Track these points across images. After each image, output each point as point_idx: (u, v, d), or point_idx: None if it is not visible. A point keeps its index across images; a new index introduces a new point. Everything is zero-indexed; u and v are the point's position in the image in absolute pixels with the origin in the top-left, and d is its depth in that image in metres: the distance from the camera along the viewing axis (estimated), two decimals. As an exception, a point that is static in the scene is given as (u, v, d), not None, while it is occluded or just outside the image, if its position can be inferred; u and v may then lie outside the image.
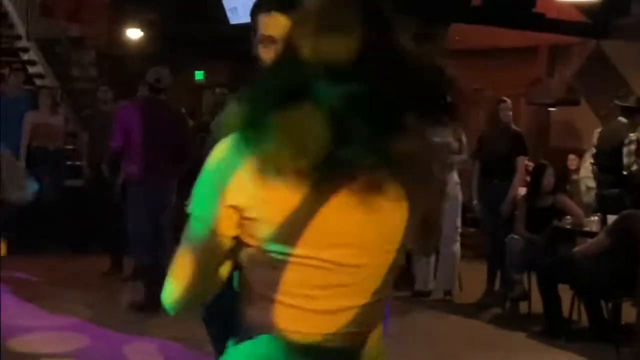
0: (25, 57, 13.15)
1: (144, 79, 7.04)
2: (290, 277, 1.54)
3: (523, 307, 7.10)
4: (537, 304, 6.74)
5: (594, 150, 8.59)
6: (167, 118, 6.79)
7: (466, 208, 8.13)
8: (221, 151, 1.56)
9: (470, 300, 7.56)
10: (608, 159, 8.31)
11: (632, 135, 8.13)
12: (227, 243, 1.56)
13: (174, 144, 6.64)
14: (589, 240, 6.38)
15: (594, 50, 11.14)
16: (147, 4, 13.26)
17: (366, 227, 1.56)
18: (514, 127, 7.98)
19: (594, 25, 10.54)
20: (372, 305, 1.61)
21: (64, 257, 8.75)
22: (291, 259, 1.53)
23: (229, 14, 8.52)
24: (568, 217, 7.13)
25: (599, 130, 8.67)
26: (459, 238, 7.71)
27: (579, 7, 9.94)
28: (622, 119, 8.12)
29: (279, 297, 1.55)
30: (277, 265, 1.54)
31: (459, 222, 7.73)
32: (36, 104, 9.35)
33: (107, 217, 8.14)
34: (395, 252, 1.62)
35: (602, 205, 7.46)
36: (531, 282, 6.99)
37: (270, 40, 2.53)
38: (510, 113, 7.88)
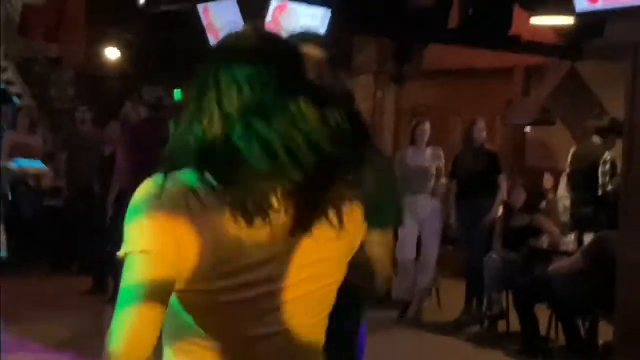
0: (3, 77, 13.13)
1: (134, 98, 7.06)
2: None
3: (501, 325, 7.15)
4: (515, 323, 6.80)
5: (568, 170, 8.71)
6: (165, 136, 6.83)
7: (445, 227, 8.20)
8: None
9: (449, 318, 7.61)
10: (583, 179, 8.42)
11: (608, 156, 8.25)
12: None
13: None
14: (565, 260, 6.45)
15: (569, 72, 11.28)
16: (125, 25, 13.29)
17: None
18: (488, 147, 8.08)
19: (568, 47, 10.67)
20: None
21: (44, 278, 8.72)
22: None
23: (209, 34, 8.55)
24: (545, 236, 7.21)
25: (573, 150, 8.79)
26: (434, 260, 7.78)
27: (554, 30, 10.08)
28: (597, 139, 8.24)
29: None
30: None
31: (436, 250, 7.80)
32: (14, 125, 9.35)
33: (89, 237, 8.14)
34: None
35: (577, 225, 7.55)
36: (509, 301, 7.05)
37: None
38: (484, 133, 7.99)
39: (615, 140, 8.40)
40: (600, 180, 8.15)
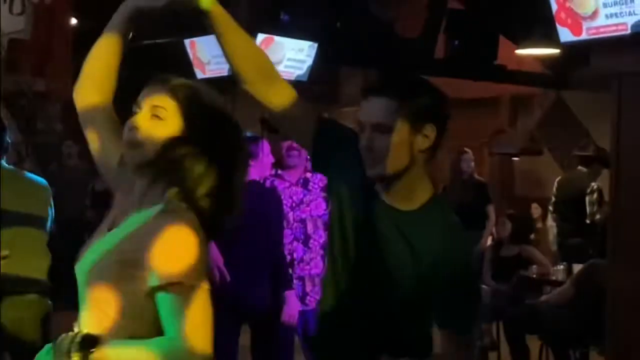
0: (-11, 111, 13.10)
1: None
2: None
3: (492, 357, 7.12)
4: (506, 354, 6.77)
5: (553, 199, 8.74)
6: None
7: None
8: None
9: (439, 350, 7.55)
10: (569, 208, 8.46)
11: (594, 185, 8.28)
12: None
13: None
14: (555, 291, 6.44)
15: (555, 101, 11.35)
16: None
17: None
18: (477, 176, 8.10)
19: (554, 76, 10.75)
20: None
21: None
22: None
23: (196, 68, 8.56)
24: (534, 266, 7.20)
25: (558, 179, 8.83)
26: None
27: (540, 59, 10.14)
28: (582, 168, 8.28)
29: None
30: None
31: None
32: None
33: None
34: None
35: (565, 254, 7.56)
36: (500, 332, 7.02)
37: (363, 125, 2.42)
38: (473, 163, 8.01)
39: (600, 169, 8.45)
40: (588, 210, 8.17)
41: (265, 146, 4.86)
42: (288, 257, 4.59)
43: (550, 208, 8.87)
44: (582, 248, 8.11)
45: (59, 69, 12.58)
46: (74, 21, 13.10)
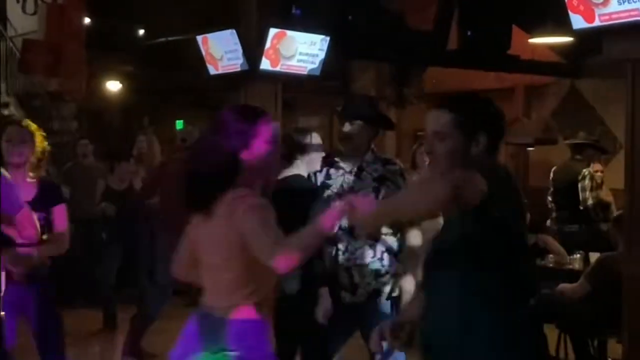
0: (5, 112, 13.17)
1: (147, 131, 7.22)
2: None
3: (510, 347, 7.10)
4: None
5: (551, 189, 8.79)
6: None
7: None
8: None
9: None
10: (564, 196, 8.50)
11: (585, 171, 8.33)
12: None
13: None
14: (570, 285, 6.39)
15: (569, 90, 11.31)
16: (126, 57, 13.36)
17: None
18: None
19: (568, 65, 10.71)
20: None
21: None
22: None
23: (209, 64, 8.58)
24: (551, 255, 7.18)
25: (554, 168, 8.87)
26: None
27: (553, 48, 10.11)
28: (576, 156, 8.36)
29: None
30: None
31: None
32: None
33: (95, 271, 8.13)
34: None
35: (564, 242, 7.57)
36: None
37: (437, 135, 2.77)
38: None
39: (594, 155, 8.51)
40: (580, 196, 8.22)
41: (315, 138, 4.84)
42: (333, 247, 4.45)
43: (549, 197, 8.91)
44: (580, 235, 8.15)
45: (73, 68, 12.64)
46: (86, 21, 13.19)
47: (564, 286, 6.37)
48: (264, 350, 2.98)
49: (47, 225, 4.22)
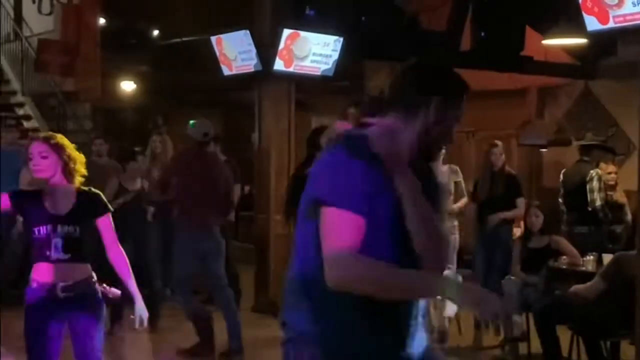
0: (20, 112, 13.26)
1: (161, 130, 7.23)
2: None
3: (522, 348, 7.11)
4: (536, 345, 6.76)
5: (561, 191, 8.80)
6: (215, 168, 7.07)
7: (462, 250, 8.19)
8: None
9: (469, 342, 7.57)
10: (573, 198, 8.50)
11: (593, 172, 8.33)
12: None
13: (220, 193, 6.98)
14: (584, 285, 6.39)
15: (583, 91, 11.28)
16: (140, 57, 13.42)
17: None
18: (508, 169, 8.07)
19: (582, 66, 10.69)
20: None
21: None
22: None
23: (223, 65, 8.62)
24: (564, 257, 7.17)
25: (563, 171, 8.88)
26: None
27: (566, 50, 10.09)
28: (584, 158, 8.38)
29: None
30: None
31: (454, 268, 7.74)
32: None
33: (106, 269, 8.13)
34: None
35: (574, 243, 7.58)
36: (530, 323, 7.01)
37: None
38: (503, 156, 7.98)
39: (602, 156, 8.53)
40: (589, 197, 8.22)
41: None
42: None
43: (560, 199, 8.91)
44: (589, 236, 8.16)
45: (88, 68, 12.72)
46: (101, 21, 13.27)
47: (577, 287, 6.37)
48: None
49: (82, 237, 4.20)
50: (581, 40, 8.53)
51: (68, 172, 4.26)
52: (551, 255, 7.18)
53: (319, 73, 8.32)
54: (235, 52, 8.43)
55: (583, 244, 7.49)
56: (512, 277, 7.13)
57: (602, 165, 8.60)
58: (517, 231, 7.82)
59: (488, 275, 7.66)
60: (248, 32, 8.22)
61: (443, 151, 7.86)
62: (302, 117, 10.55)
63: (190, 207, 6.86)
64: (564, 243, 7.41)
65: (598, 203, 8.32)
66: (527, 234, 7.32)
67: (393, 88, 2.51)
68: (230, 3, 10.79)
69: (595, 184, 8.32)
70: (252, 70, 8.26)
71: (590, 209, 8.33)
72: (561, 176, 8.93)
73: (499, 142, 8.10)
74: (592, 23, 5.56)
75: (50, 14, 12.55)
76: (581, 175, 8.51)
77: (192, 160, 6.96)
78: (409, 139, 2.40)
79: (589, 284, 6.30)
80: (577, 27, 6.29)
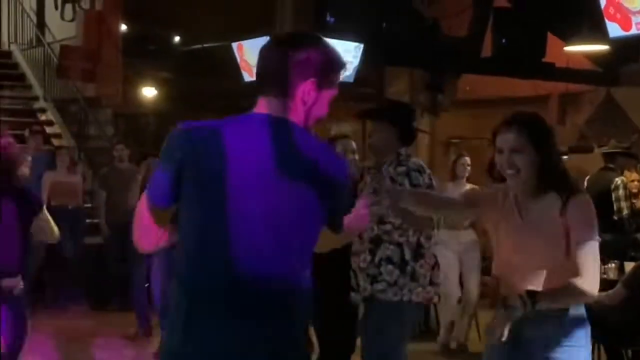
0: (42, 117, 13.36)
1: None
2: None
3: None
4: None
5: None
6: None
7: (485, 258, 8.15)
8: None
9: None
10: (597, 205, 8.39)
11: (618, 180, 8.27)
12: None
13: None
14: (606, 292, 6.34)
15: (605, 98, 11.22)
16: (161, 63, 13.48)
17: None
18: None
19: (603, 73, 10.64)
20: None
21: (84, 314, 8.80)
22: None
23: (244, 71, 8.65)
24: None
25: (587, 177, 8.82)
26: (476, 292, 7.69)
27: (589, 56, 10.05)
28: (609, 165, 8.32)
29: None
30: None
31: (477, 284, 7.69)
32: (54, 164, 9.46)
33: (129, 275, 8.16)
34: None
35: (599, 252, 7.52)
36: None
37: None
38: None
39: (627, 164, 8.45)
40: (615, 206, 8.15)
41: None
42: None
43: None
44: (614, 245, 8.07)
45: (109, 74, 12.80)
46: (123, 27, 13.36)
47: (599, 295, 6.32)
48: None
49: None
50: (603, 47, 8.49)
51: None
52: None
53: (339, 79, 8.34)
54: (256, 58, 8.46)
55: (606, 252, 7.42)
56: (533, 285, 7.09)
57: (626, 173, 8.53)
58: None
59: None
60: (269, 38, 8.26)
61: (468, 167, 7.78)
62: (323, 124, 10.57)
63: None
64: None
65: (625, 212, 8.23)
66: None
67: (266, 69, 2.46)
68: (252, 10, 10.84)
69: (621, 192, 8.25)
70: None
71: (616, 217, 8.26)
72: (585, 183, 8.87)
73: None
74: (614, 29, 5.54)
75: (72, 20, 12.63)
76: (605, 182, 8.44)
77: None
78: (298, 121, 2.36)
79: (611, 291, 6.25)
80: (600, 33, 6.26)
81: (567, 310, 3.26)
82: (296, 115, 2.35)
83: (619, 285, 6.18)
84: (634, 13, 5.40)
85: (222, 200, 2.22)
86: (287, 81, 2.36)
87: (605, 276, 6.99)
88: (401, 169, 4.37)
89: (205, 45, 12.47)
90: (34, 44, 14.13)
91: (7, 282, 4.38)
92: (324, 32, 8.15)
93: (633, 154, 8.87)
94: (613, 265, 7.08)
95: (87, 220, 9.89)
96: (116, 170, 9.27)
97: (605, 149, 8.71)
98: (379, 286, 4.37)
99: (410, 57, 9.29)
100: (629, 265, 6.60)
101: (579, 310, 3.33)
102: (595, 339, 6.40)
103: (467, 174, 7.60)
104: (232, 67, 8.83)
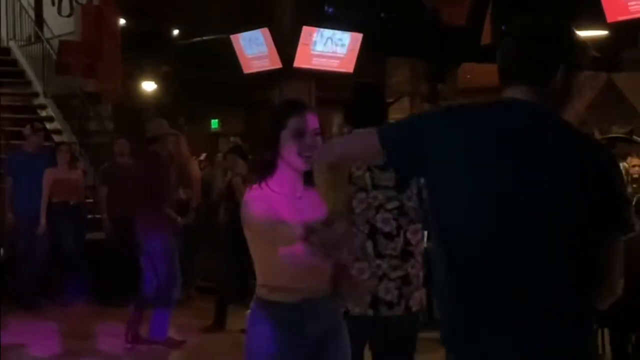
0: (43, 113, 13.35)
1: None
2: None
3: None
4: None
5: None
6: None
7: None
8: None
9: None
10: None
11: (620, 166, 8.26)
12: None
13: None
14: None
15: (605, 83, 11.20)
16: (161, 57, 13.47)
17: None
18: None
19: (604, 58, 10.62)
20: None
21: (88, 310, 8.79)
22: None
23: (242, 63, 8.64)
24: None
25: None
26: None
27: (589, 42, 10.03)
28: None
29: None
30: None
31: None
32: (55, 160, 9.44)
33: (131, 269, 8.16)
34: None
35: None
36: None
37: None
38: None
39: (628, 149, 8.44)
40: None
41: None
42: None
43: None
44: None
45: (109, 69, 12.77)
46: (122, 22, 13.32)
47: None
48: None
49: None
50: (602, 32, 8.48)
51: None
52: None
53: (339, 70, 8.33)
54: (253, 50, 8.45)
55: None
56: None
57: (630, 158, 8.53)
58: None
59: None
60: (267, 30, 8.25)
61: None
62: (325, 115, 10.55)
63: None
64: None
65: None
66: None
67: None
68: (249, 2, 10.81)
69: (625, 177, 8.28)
70: (270, 67, 8.29)
71: None
72: None
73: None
74: (612, 13, 5.54)
75: (69, 15, 12.61)
76: None
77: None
78: None
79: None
80: (598, 18, 6.24)
81: None
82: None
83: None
84: (632, -3, 5.39)
85: None
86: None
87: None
88: None
89: (204, 37, 12.46)
90: (33, 40, 14.11)
91: None
92: (323, 22, 8.14)
93: (634, 140, 8.88)
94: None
95: (89, 216, 9.89)
96: (117, 165, 9.25)
97: (605, 135, 8.71)
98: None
99: (410, 47, 9.28)
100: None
101: None
102: (600, 323, 6.41)
103: None
104: (232, 59, 8.83)
